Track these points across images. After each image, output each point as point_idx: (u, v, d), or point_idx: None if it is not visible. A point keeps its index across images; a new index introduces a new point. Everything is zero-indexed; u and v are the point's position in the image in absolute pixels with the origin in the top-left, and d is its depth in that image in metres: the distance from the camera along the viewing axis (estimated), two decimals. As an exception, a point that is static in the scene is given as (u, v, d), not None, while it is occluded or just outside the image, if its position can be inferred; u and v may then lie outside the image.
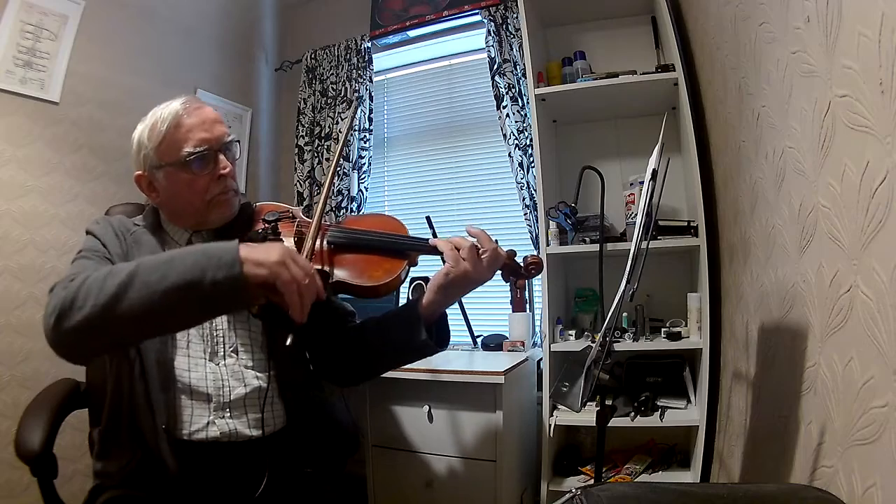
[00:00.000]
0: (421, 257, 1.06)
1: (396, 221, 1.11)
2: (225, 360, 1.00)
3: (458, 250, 0.98)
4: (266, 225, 1.03)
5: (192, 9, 2.30)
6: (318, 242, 1.00)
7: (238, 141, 1.08)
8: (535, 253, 1.10)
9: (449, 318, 1.12)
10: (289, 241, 1.01)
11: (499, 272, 1.06)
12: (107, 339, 0.81)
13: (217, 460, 0.95)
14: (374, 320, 1.15)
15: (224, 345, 1.01)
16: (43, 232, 1.72)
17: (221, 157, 1.00)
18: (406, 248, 1.03)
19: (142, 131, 1.00)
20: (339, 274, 1.01)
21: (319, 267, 0.99)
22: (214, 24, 2.41)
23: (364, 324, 1.18)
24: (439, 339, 1.08)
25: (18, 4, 1.65)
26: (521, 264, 1.09)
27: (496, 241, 1.03)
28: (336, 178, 2.38)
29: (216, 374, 0.98)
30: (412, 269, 1.07)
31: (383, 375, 1.57)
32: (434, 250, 1.02)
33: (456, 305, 1.98)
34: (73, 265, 0.94)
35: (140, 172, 1.02)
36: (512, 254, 1.07)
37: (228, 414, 0.97)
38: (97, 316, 0.76)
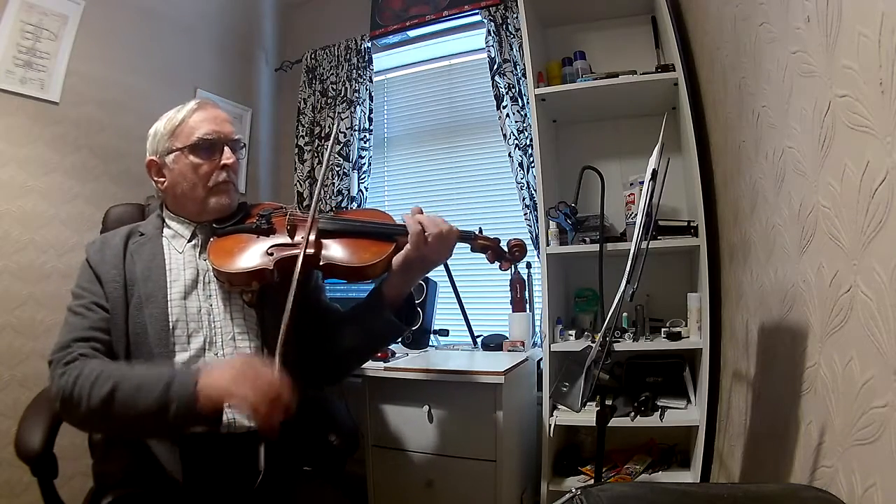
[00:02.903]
0: None
1: (383, 213, 1.21)
2: (223, 349, 1.02)
3: (419, 235, 1.06)
4: (260, 219, 1.12)
5: (192, 9, 2.30)
6: (312, 231, 1.07)
7: (245, 145, 1.17)
8: (517, 236, 1.22)
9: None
10: (282, 233, 1.10)
11: (483, 254, 1.18)
12: (105, 433, 1.00)
13: (216, 453, 0.96)
14: (346, 311, 1.21)
15: (221, 334, 1.03)
16: (43, 232, 1.72)
17: (227, 149, 1.09)
18: (394, 233, 1.10)
19: (159, 123, 1.12)
20: (329, 256, 1.07)
21: (309, 251, 1.05)
22: (214, 24, 2.41)
23: (338, 317, 1.22)
24: (408, 318, 1.16)
25: (18, 4, 1.65)
26: (506, 249, 1.19)
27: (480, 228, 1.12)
28: (336, 177, 2.39)
29: (214, 363, 0.99)
30: None
31: (384, 375, 1.59)
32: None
33: (456, 306, 2.00)
34: (66, 317, 1.00)
35: (152, 158, 1.11)
36: (496, 241, 1.18)
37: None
38: (91, 419, 0.89)
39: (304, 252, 0.99)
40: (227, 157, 1.08)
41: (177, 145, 1.07)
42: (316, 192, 1.14)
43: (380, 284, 1.13)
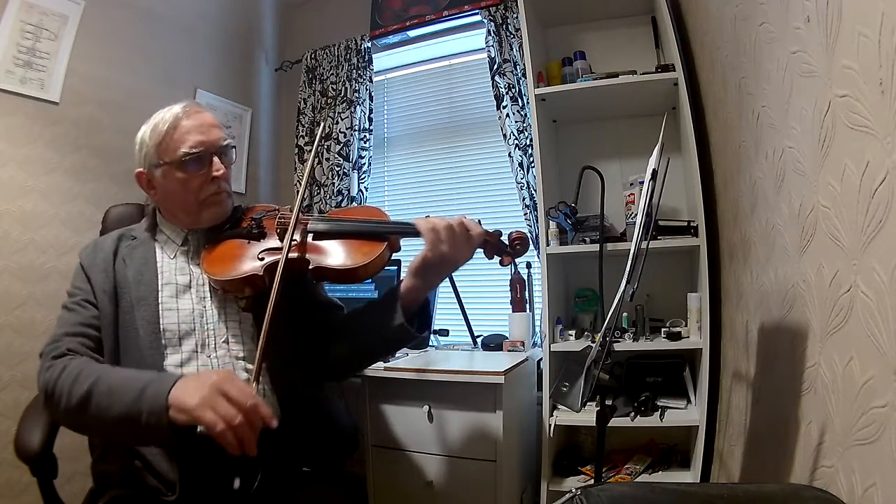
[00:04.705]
0: (407, 243, 1.09)
1: (377, 210, 1.15)
2: (216, 351, 1.01)
3: (436, 232, 0.99)
4: (252, 222, 1.09)
5: (192, 9, 2.30)
6: (298, 233, 1.04)
7: (234, 147, 1.13)
8: (520, 229, 1.10)
9: (436, 307, 1.13)
10: (272, 236, 1.07)
11: (481, 251, 1.07)
12: (84, 433, 0.98)
13: (212, 456, 0.95)
14: (355, 310, 1.17)
15: (214, 336, 1.03)
16: (43, 232, 1.72)
17: (216, 159, 1.05)
18: (385, 232, 1.05)
19: (144, 131, 1.07)
20: (319, 259, 1.04)
21: (297, 255, 1.03)
22: (214, 24, 2.41)
23: (346, 315, 1.19)
24: (421, 324, 1.08)
25: (18, 4, 1.65)
26: (507, 242, 1.08)
27: (479, 220, 1.05)
28: (336, 177, 2.39)
29: (207, 367, 0.99)
30: (397, 254, 1.09)
31: (384, 375, 1.59)
32: (414, 232, 1.02)
33: (456, 306, 2.00)
34: (60, 314, 1.02)
35: (140, 170, 1.07)
36: (497, 233, 1.08)
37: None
38: (70, 417, 0.90)
39: (286, 257, 0.96)
40: (217, 168, 1.05)
41: (164, 160, 1.03)
42: (298, 195, 1.10)
43: (396, 287, 1.08)
